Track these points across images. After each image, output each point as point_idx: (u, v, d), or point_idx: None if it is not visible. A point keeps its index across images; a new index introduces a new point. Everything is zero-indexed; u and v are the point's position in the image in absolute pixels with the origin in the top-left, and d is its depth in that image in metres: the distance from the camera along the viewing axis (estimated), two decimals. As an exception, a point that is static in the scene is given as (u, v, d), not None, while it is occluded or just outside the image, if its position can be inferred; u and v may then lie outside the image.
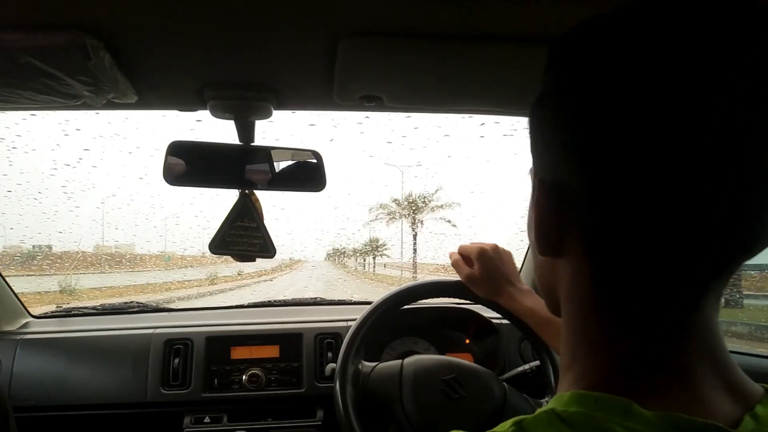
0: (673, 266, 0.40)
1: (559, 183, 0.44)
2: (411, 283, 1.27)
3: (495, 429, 0.42)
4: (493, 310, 1.21)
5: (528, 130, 0.49)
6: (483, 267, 1.12)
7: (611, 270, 0.42)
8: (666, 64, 0.36)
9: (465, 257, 1.17)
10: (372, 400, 1.16)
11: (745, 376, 0.43)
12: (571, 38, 0.43)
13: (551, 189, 0.44)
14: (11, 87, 0.87)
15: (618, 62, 0.38)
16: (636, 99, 0.37)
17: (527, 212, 0.49)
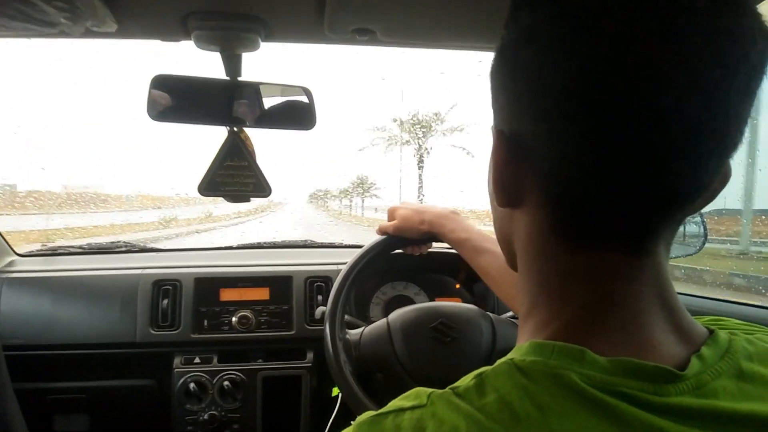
0: (627, 213, 0.41)
1: (517, 133, 0.45)
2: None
3: (458, 383, 0.43)
4: (421, 247, 1.26)
5: (489, 83, 0.49)
6: (399, 216, 1.20)
7: (568, 218, 0.44)
8: (624, 14, 0.37)
9: (388, 220, 1.25)
10: (369, 365, 1.17)
11: (691, 318, 0.45)
12: None
13: (510, 140, 0.46)
14: (-19, 12, 0.82)
15: (579, 9, 0.39)
16: (594, 48, 0.38)
17: (488, 165, 0.50)
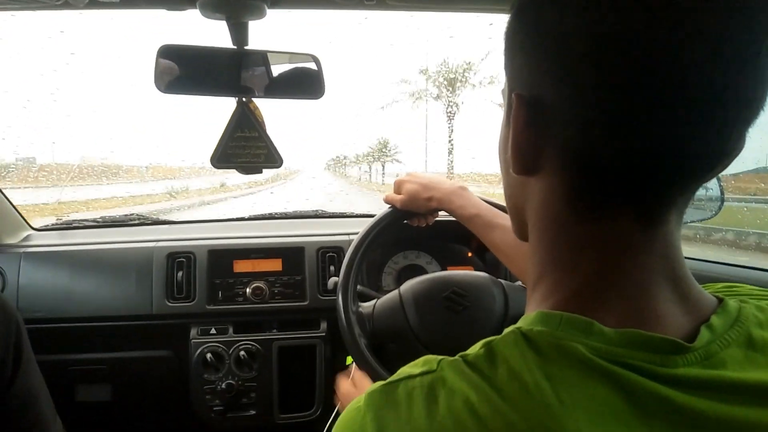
0: (645, 182, 0.41)
1: (538, 98, 0.43)
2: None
3: (467, 351, 0.43)
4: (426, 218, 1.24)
5: (504, 45, 0.48)
6: (406, 190, 1.18)
7: (585, 186, 0.43)
8: None
9: (394, 192, 1.23)
10: (383, 338, 1.17)
11: (699, 287, 0.45)
12: None
13: (530, 104, 0.44)
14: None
15: None
16: (618, 14, 0.37)
17: (501, 131, 0.49)
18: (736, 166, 0.44)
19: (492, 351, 0.41)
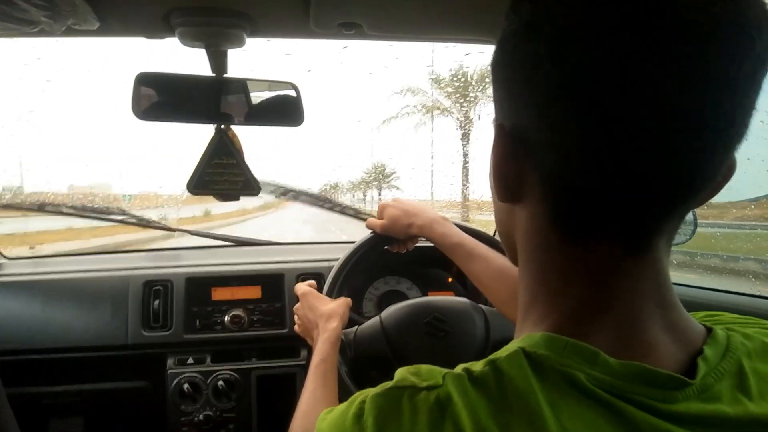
0: (627, 209, 0.41)
1: (518, 128, 0.45)
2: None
3: (470, 367, 0.43)
4: (406, 243, 1.24)
5: (491, 76, 0.49)
6: (387, 215, 1.19)
7: (569, 213, 0.43)
8: (625, 8, 0.37)
9: (377, 217, 1.24)
10: (365, 364, 1.16)
11: (687, 314, 0.45)
12: None
13: (510, 134, 0.45)
14: (-40, 11, 0.80)
15: (577, 6, 0.39)
16: (595, 42, 0.38)
17: (489, 159, 0.50)
18: (755, 191, 0.44)
19: (498, 370, 0.41)
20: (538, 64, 0.41)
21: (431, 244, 1.16)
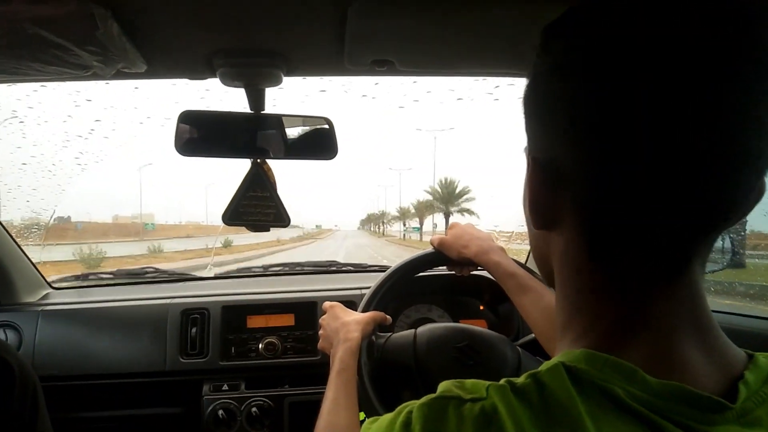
0: (661, 234, 0.42)
1: (552, 160, 0.46)
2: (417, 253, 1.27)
3: (513, 379, 0.44)
4: (463, 268, 1.25)
5: (522, 109, 0.50)
6: (452, 233, 1.22)
7: (603, 240, 0.45)
8: (653, 48, 0.38)
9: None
10: (387, 369, 1.16)
11: (727, 340, 0.45)
12: (564, 20, 0.45)
13: (545, 166, 0.47)
14: (20, 59, 0.86)
15: (610, 44, 0.40)
16: (625, 79, 0.39)
17: (524, 187, 0.51)
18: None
19: (540, 382, 0.42)
20: (571, 101, 0.43)
21: (475, 273, 1.17)
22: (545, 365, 0.44)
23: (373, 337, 1.18)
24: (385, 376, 1.16)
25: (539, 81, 0.47)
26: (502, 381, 0.44)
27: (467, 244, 1.17)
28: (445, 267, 1.27)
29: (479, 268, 1.21)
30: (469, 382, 0.46)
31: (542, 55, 0.46)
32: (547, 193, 0.47)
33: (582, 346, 0.45)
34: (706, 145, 0.38)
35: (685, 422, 0.39)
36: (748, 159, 0.39)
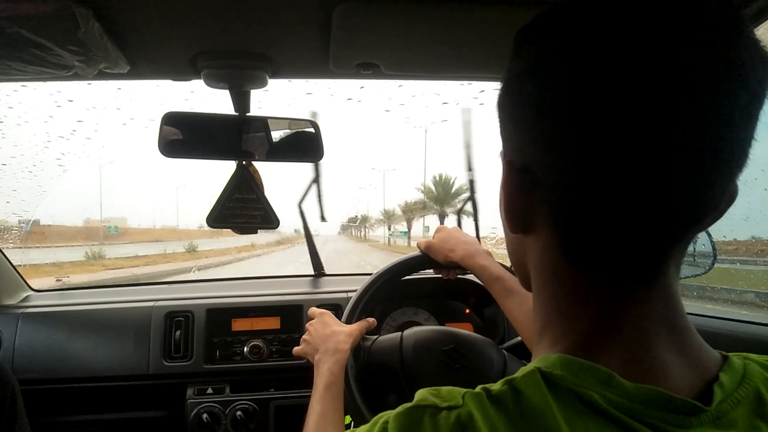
0: (634, 236, 0.42)
1: (526, 164, 0.46)
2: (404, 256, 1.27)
3: (488, 386, 0.44)
4: (450, 271, 1.25)
5: (497, 114, 0.51)
6: (438, 237, 1.22)
7: (578, 243, 0.45)
8: (622, 51, 0.39)
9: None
10: (374, 372, 1.16)
11: (703, 342, 0.46)
12: (535, 26, 0.45)
13: (519, 170, 0.47)
14: (0, 58, 0.85)
15: (579, 47, 0.41)
16: (595, 83, 0.39)
17: (498, 193, 0.51)
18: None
19: (516, 389, 0.42)
20: (542, 104, 0.43)
21: (460, 277, 1.17)
22: (521, 371, 0.44)
23: (360, 340, 1.17)
24: (371, 380, 1.16)
25: (511, 85, 0.47)
26: (478, 388, 0.44)
27: (454, 247, 1.17)
28: (431, 270, 1.26)
29: (466, 271, 1.21)
30: (445, 389, 0.46)
31: (514, 59, 0.46)
32: (521, 197, 0.48)
33: (559, 351, 0.45)
34: (677, 147, 0.39)
35: (662, 426, 0.39)
36: (719, 161, 0.40)
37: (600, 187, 0.41)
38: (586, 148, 0.41)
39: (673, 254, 0.44)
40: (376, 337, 1.19)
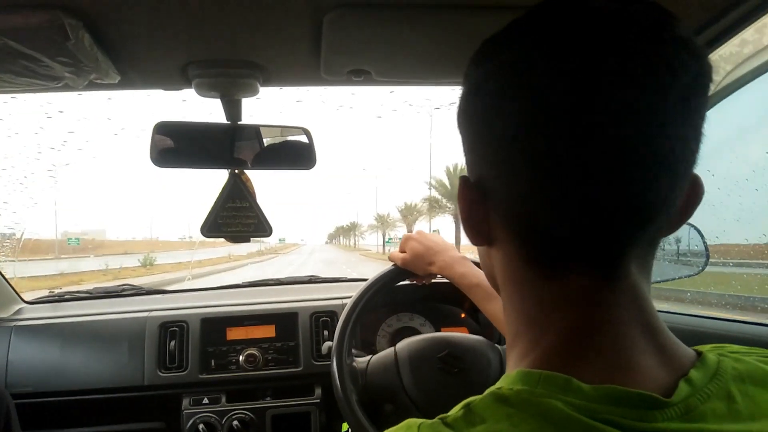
0: (588, 239, 0.43)
1: (478, 178, 0.49)
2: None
3: (448, 413, 0.44)
4: (427, 277, 1.25)
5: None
6: (410, 249, 1.21)
7: (536, 251, 0.46)
8: (548, 68, 0.41)
9: (399, 249, 1.26)
10: (375, 394, 1.16)
11: (676, 339, 0.46)
12: (480, 49, 0.48)
13: (473, 185, 0.49)
14: (-11, 70, 0.84)
15: (507, 66, 0.43)
16: (528, 96, 0.42)
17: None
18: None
19: (471, 411, 0.42)
20: (485, 119, 0.45)
21: (443, 280, 1.17)
22: (478, 397, 0.44)
23: (354, 363, 1.17)
24: (376, 402, 1.16)
25: (460, 104, 0.49)
26: (436, 419, 0.44)
27: (432, 260, 1.17)
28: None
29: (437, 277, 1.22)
30: (404, 423, 0.46)
31: (464, 79, 0.49)
32: (478, 210, 0.49)
33: (526, 365, 0.45)
34: (612, 148, 0.40)
35: (625, 422, 0.39)
36: (658, 158, 0.40)
37: (545, 194, 0.42)
38: (527, 159, 0.42)
39: (632, 254, 0.44)
40: (369, 357, 1.19)
